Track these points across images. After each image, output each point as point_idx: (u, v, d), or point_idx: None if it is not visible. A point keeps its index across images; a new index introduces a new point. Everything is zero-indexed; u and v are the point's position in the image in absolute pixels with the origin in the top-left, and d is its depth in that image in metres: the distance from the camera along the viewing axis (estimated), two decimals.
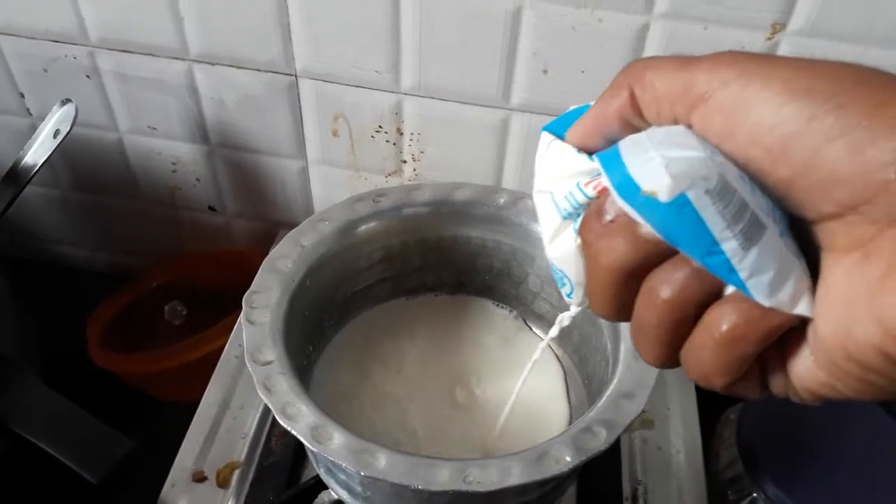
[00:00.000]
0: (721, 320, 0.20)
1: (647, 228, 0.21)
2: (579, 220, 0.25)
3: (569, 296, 0.28)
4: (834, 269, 0.20)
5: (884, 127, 0.18)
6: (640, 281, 0.22)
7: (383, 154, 0.56)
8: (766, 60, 0.20)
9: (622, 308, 0.23)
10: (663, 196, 0.20)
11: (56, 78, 0.56)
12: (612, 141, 0.23)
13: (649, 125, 0.23)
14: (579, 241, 0.25)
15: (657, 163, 0.20)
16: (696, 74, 0.21)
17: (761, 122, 0.20)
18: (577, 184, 0.24)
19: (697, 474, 0.48)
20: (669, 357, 0.23)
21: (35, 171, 0.49)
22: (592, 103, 0.27)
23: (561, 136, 0.26)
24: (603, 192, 0.23)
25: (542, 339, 0.48)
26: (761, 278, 0.20)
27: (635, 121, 0.23)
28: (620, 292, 0.23)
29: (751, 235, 0.20)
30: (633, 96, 0.23)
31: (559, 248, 0.26)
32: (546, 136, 0.26)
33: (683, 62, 0.22)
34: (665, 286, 0.21)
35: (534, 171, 0.27)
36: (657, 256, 0.21)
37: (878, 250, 0.18)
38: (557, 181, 0.25)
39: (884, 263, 0.18)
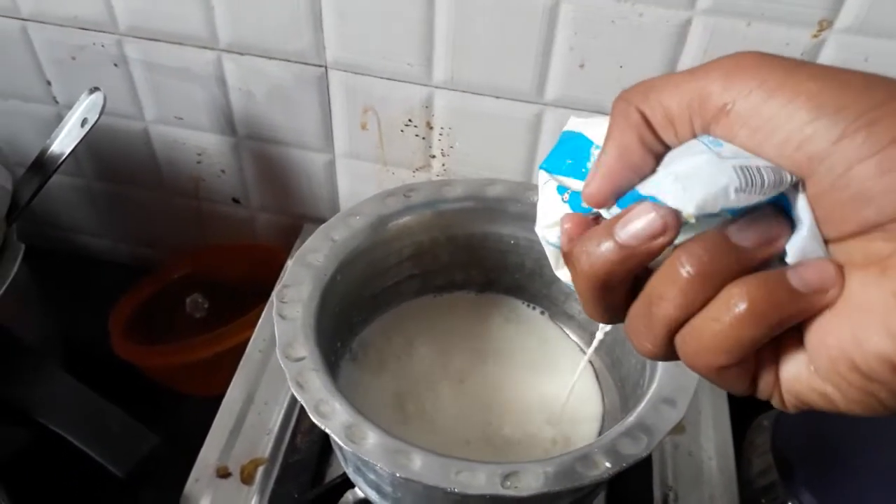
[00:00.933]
0: (743, 295, 0.20)
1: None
2: None
3: None
4: (848, 281, 0.19)
5: None
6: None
7: (412, 148, 0.56)
8: (787, 69, 0.19)
9: (615, 309, 0.23)
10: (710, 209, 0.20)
11: (83, 66, 0.56)
12: (641, 175, 0.22)
13: (668, 148, 0.22)
14: None
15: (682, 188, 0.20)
16: (708, 84, 0.20)
17: (788, 139, 0.19)
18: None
19: (729, 481, 0.47)
20: (668, 344, 0.22)
21: (62, 160, 0.48)
22: (583, 131, 0.26)
23: (556, 171, 0.26)
24: None
25: (575, 343, 0.48)
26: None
27: (655, 146, 0.22)
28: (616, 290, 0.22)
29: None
30: (647, 120, 0.22)
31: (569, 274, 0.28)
32: (543, 176, 0.27)
33: (689, 73, 0.21)
34: (691, 258, 0.20)
35: None
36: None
37: None
38: (550, 228, 0.27)
39: None
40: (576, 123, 0.27)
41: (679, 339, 0.21)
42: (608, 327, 0.35)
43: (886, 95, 0.18)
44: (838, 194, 0.19)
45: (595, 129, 0.26)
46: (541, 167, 0.27)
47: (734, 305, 0.20)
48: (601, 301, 0.23)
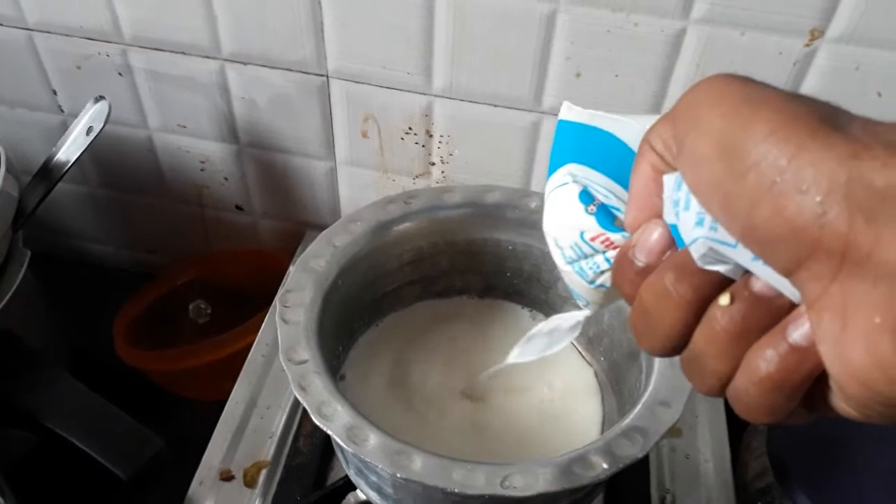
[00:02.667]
0: (760, 364, 0.20)
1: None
2: (583, 261, 0.26)
3: (586, 306, 0.30)
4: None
5: (799, 180, 0.17)
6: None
7: (412, 156, 0.56)
8: (713, 103, 0.19)
9: (678, 347, 0.23)
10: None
11: (88, 75, 0.57)
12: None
13: (675, 170, 0.23)
14: (599, 283, 0.27)
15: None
16: (678, 118, 0.21)
17: (708, 179, 0.19)
18: (581, 234, 0.26)
19: (726, 484, 0.48)
20: (721, 392, 0.22)
21: (68, 168, 0.49)
22: (573, 115, 0.28)
23: (597, 168, 0.27)
24: (610, 247, 0.25)
25: (573, 346, 0.48)
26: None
27: (664, 169, 0.23)
28: (686, 334, 0.22)
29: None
30: (653, 148, 0.23)
31: (574, 283, 0.28)
32: (561, 176, 0.27)
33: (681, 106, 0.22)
34: (725, 316, 0.21)
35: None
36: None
37: (828, 307, 0.18)
38: (564, 231, 0.27)
39: (837, 319, 0.18)
40: (575, 113, 0.28)
41: (729, 397, 0.22)
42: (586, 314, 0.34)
43: (775, 124, 0.18)
44: (755, 233, 0.18)
45: (624, 130, 0.27)
46: (569, 161, 0.27)
47: (754, 375, 0.20)
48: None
